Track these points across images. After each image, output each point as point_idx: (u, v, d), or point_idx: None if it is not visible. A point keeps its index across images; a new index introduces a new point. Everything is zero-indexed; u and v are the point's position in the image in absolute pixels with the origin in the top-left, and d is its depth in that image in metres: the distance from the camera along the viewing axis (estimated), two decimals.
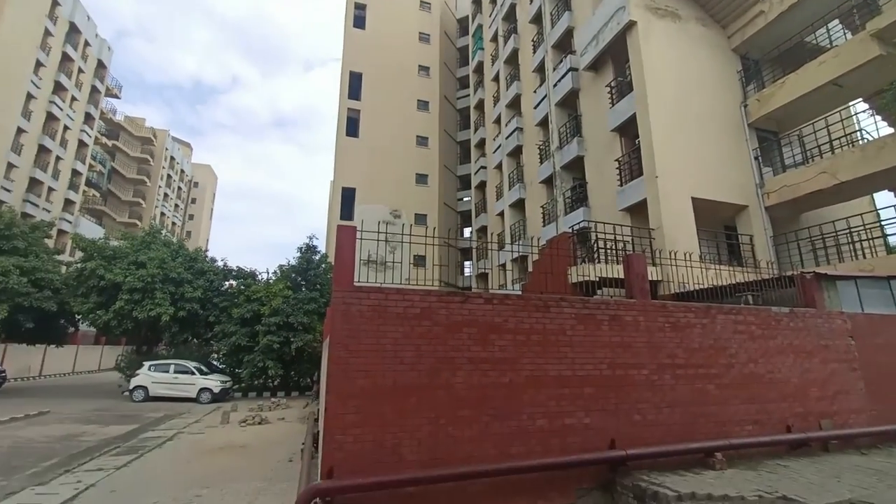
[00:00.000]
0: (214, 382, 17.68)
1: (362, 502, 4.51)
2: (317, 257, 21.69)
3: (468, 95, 35.03)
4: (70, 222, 36.78)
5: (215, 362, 20.79)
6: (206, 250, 23.02)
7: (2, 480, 7.04)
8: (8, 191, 30.16)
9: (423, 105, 34.36)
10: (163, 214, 57.38)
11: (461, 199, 36.14)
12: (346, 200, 31.69)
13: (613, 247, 9.93)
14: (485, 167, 29.88)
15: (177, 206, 63.80)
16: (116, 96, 47.67)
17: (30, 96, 32.54)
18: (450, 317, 5.41)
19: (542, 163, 20.50)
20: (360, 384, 4.89)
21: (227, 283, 21.25)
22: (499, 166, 26.53)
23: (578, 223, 12.30)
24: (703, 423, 6.24)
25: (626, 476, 5.39)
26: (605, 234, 10.36)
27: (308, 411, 14.27)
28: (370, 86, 33.30)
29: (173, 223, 61.14)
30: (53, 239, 27.79)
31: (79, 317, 19.84)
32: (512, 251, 20.83)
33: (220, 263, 21.67)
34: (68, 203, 37.71)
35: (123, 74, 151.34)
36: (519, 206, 23.49)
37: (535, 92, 21.66)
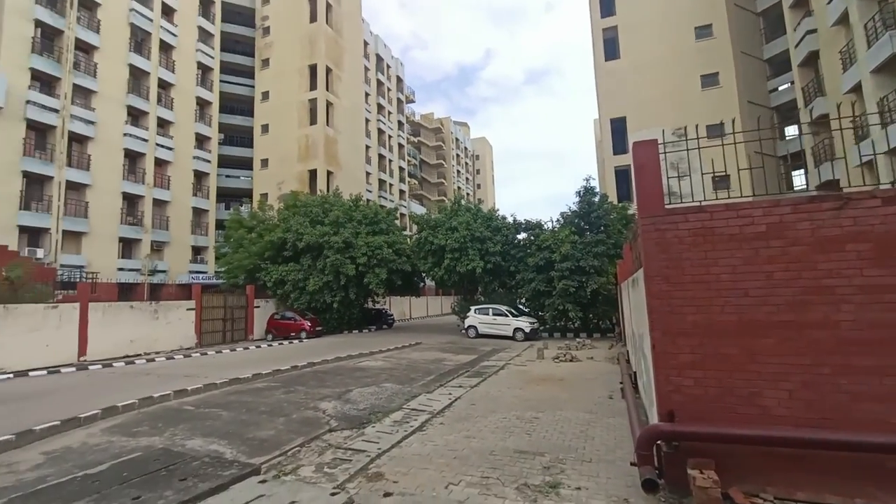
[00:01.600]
0: (525, 323, 20.03)
1: (714, 454, 3.89)
2: (596, 199, 20.97)
3: None
4: (405, 206, 49.14)
5: (521, 306, 23.53)
6: (497, 210, 26.04)
7: (406, 387, 10.08)
8: (370, 192, 42.84)
9: None
10: (459, 188, 68.82)
11: (774, 90, 27.03)
12: (617, 133, 29.09)
13: None
14: (813, 31, 21.13)
15: (467, 179, 75.24)
16: (412, 101, 59.55)
17: (367, 121, 44.65)
18: (817, 231, 3.90)
19: None
20: (692, 320, 4.18)
21: (518, 235, 23.42)
22: (842, 19, 18.16)
23: None
24: None
25: None
26: None
27: (614, 352, 14.19)
28: None
29: (467, 193, 72.53)
30: (398, 219, 38.09)
31: (424, 274, 26.34)
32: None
33: (510, 219, 24.06)
34: (401, 193, 50.43)
35: (412, 81, 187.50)
36: (891, 66, 15.49)
37: None
